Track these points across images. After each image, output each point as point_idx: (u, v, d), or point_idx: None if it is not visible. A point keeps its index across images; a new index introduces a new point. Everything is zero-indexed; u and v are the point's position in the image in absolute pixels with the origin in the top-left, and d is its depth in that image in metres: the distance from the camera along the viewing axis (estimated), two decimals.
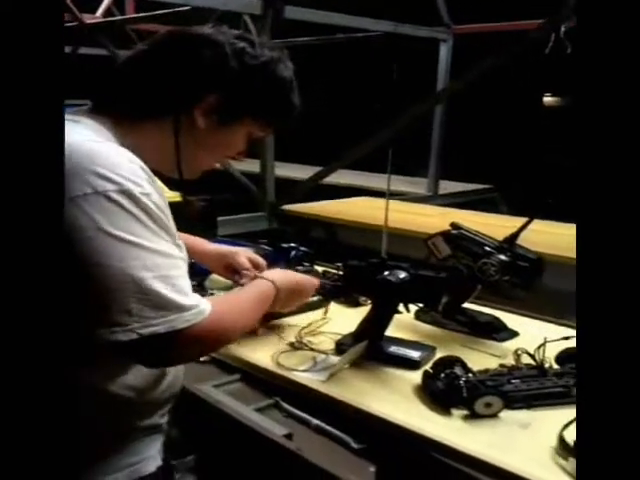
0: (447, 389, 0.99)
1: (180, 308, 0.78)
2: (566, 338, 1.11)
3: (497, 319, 1.38)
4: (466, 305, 1.40)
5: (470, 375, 1.02)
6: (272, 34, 3.06)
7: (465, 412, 0.98)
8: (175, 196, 1.06)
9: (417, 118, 3.14)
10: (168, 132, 0.89)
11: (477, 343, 1.29)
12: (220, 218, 3.02)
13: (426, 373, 1.06)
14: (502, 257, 1.26)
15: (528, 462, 0.85)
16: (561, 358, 1.13)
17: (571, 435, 0.87)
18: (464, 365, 1.07)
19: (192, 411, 1.14)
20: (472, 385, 0.98)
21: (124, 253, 0.74)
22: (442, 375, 1.03)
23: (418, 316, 1.43)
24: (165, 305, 0.76)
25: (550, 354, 1.11)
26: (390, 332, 1.23)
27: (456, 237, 1.32)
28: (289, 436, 1.00)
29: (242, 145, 0.97)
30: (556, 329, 1.36)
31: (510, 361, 1.17)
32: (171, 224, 0.82)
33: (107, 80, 0.91)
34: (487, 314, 1.40)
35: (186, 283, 0.81)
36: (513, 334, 1.33)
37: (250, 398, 1.12)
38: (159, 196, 0.80)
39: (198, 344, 0.82)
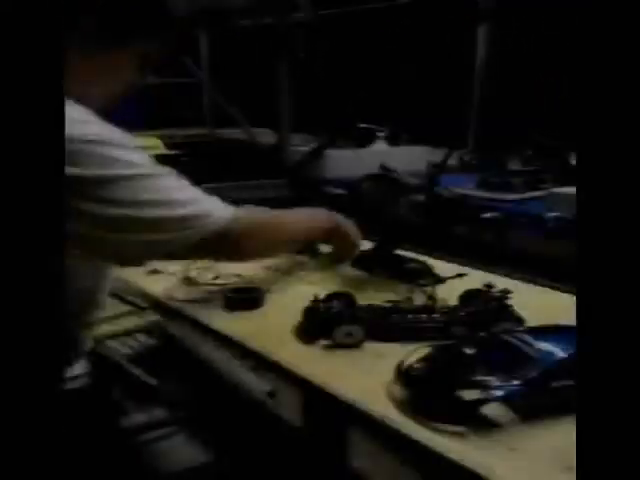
0: (309, 319, 0.95)
1: (205, 211, 0.88)
2: (460, 275, 1.03)
3: (425, 266, 1.31)
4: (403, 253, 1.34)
5: (342, 307, 0.98)
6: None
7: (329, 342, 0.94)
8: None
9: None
10: None
11: (399, 288, 1.23)
12: (233, 183, 3.05)
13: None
14: (420, 197, 1.19)
15: (359, 391, 0.81)
16: (463, 297, 1.06)
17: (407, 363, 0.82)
18: (350, 300, 1.02)
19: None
20: (333, 314, 0.94)
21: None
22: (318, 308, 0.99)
23: (354, 265, 1.38)
24: (190, 217, 0.86)
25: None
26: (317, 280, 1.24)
27: (378, 178, 1.26)
28: (272, 394, 1.01)
29: (132, 71, 0.94)
30: (484, 276, 1.27)
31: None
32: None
33: None
34: (418, 261, 1.33)
35: (191, 188, 0.89)
36: (438, 280, 1.26)
37: None
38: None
39: (243, 235, 0.94)
